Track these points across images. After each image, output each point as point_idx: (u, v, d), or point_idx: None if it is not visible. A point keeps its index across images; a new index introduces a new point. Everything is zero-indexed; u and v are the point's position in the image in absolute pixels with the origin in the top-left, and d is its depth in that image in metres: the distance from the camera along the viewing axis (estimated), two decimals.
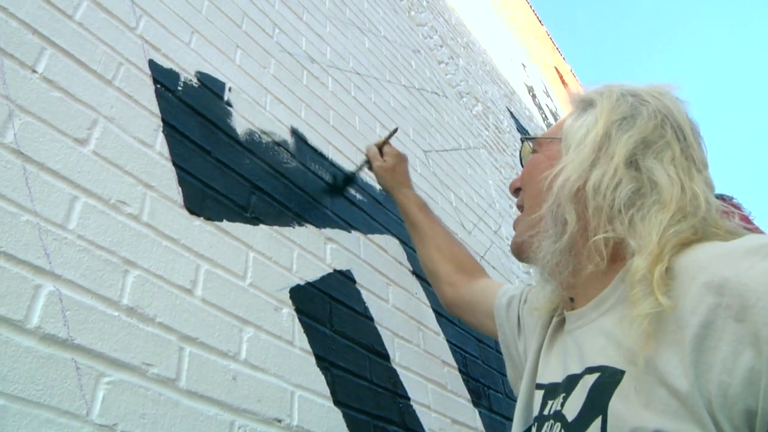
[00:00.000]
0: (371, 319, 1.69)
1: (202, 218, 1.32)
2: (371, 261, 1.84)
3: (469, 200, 3.00)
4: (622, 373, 0.76)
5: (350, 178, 1.94)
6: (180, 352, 1.12)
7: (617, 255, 0.85)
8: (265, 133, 1.68)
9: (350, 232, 1.82)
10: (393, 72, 2.99)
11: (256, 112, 1.69)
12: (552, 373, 0.95)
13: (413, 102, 3.02)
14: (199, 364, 1.15)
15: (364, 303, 1.70)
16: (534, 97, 7.53)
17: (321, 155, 1.89)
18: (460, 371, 2.02)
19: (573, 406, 0.82)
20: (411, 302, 1.95)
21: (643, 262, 0.76)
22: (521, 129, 5.36)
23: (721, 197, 3.26)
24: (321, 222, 1.71)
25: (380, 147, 1.80)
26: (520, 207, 1.10)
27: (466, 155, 3.37)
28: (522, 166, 1.12)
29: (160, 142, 1.33)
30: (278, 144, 1.71)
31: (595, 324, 0.87)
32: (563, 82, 11.47)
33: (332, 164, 1.93)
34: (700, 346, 0.67)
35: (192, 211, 1.31)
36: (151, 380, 1.04)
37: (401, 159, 1.78)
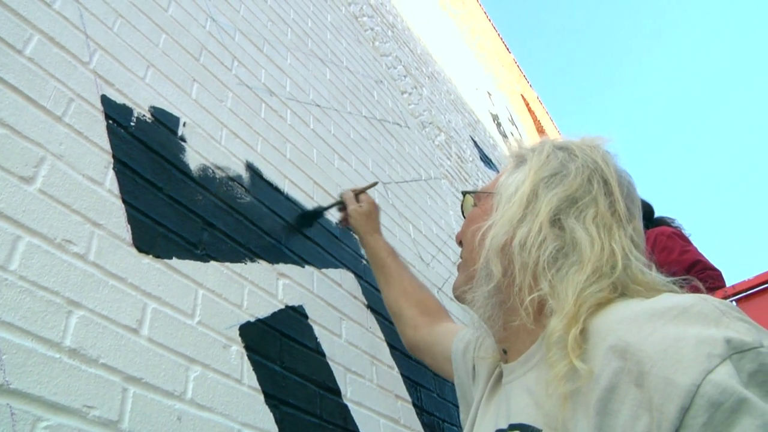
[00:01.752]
0: (323, 354, 1.69)
1: (150, 256, 1.32)
2: (325, 296, 1.84)
3: (428, 231, 3.03)
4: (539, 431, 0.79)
5: (318, 214, 2.01)
6: (123, 393, 1.11)
7: (543, 312, 0.87)
8: (219, 168, 1.69)
9: (304, 267, 1.82)
10: (354, 103, 3.02)
11: (211, 147, 1.70)
12: (487, 425, 0.97)
13: (374, 133, 3.05)
14: (143, 405, 1.14)
15: (316, 339, 1.70)
16: (499, 125, 7.63)
17: (276, 189, 1.90)
18: (414, 405, 2.02)
19: None
20: (365, 336, 1.95)
21: (559, 324, 0.79)
22: (484, 158, 5.42)
23: (662, 220, 3.31)
24: (274, 258, 1.71)
25: (357, 194, 1.94)
26: (461, 257, 1.13)
27: (427, 186, 3.40)
28: (464, 218, 1.15)
29: (110, 180, 1.32)
30: (232, 179, 1.72)
31: (522, 380, 0.90)
32: (529, 109, 11.66)
33: (287, 198, 1.94)
34: (604, 410, 0.69)
35: (141, 249, 1.30)
36: (91, 423, 1.03)
37: (375, 207, 1.92)
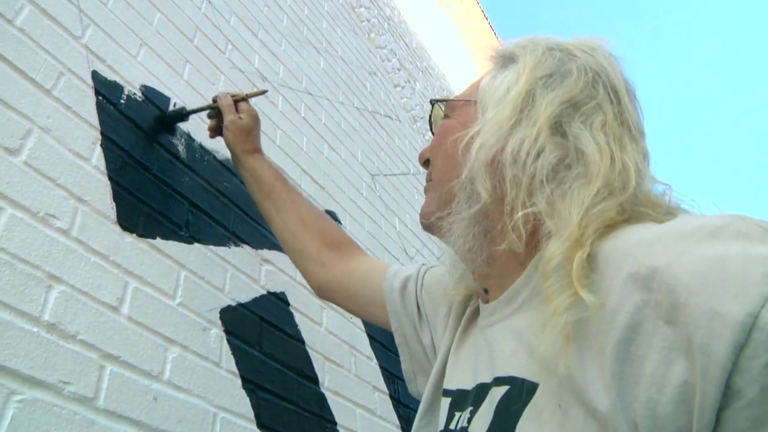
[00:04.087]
0: (303, 342, 1.70)
1: (134, 235, 1.31)
2: (306, 284, 1.84)
3: (414, 225, 3.03)
4: (534, 386, 0.65)
5: (181, 116, 1.60)
6: (100, 371, 1.11)
7: (535, 239, 0.73)
8: (207, 150, 1.68)
9: None
10: (347, 93, 3.02)
11: (200, 129, 1.69)
12: (461, 377, 0.84)
13: (364, 124, 3.04)
14: (120, 383, 1.13)
15: (297, 326, 1.70)
16: None
17: None
18: (391, 397, 2.03)
19: (480, 423, 0.71)
20: (345, 326, 1.96)
21: (560, 247, 0.64)
22: None
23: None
24: (258, 243, 1.71)
25: (236, 101, 1.50)
26: (428, 179, 0.95)
27: (415, 180, 3.40)
28: (432, 133, 0.97)
29: (97, 156, 1.32)
30: (220, 162, 1.71)
31: (507, 322, 0.76)
32: None
33: None
34: (624, 355, 0.55)
35: (125, 228, 1.30)
36: (66, 399, 1.03)
37: (257, 120, 1.50)
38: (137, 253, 1.30)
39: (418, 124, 4.09)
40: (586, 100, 0.77)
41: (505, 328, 0.76)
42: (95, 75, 1.41)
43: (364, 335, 2.05)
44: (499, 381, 0.71)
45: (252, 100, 1.53)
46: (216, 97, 1.52)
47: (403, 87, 4.17)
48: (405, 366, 1.11)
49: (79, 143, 1.29)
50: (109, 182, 1.31)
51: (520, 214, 0.71)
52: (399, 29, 4.94)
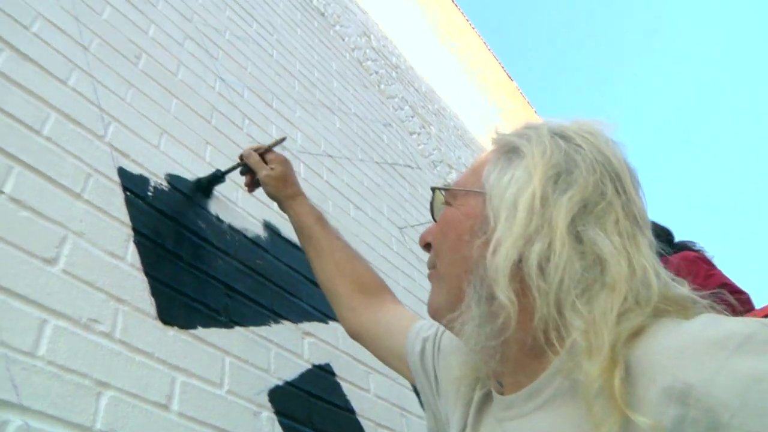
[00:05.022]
0: (352, 411, 1.67)
1: (176, 327, 1.31)
2: (350, 351, 1.82)
3: None
4: None
5: (217, 179, 1.68)
6: None
7: (548, 339, 0.71)
8: (236, 230, 1.68)
9: (328, 323, 1.81)
10: (365, 149, 3.03)
11: (228, 209, 1.70)
12: None
13: (386, 178, 3.05)
14: None
15: (345, 396, 1.68)
16: None
17: (295, 246, 1.89)
18: None
19: None
20: (393, 389, 1.93)
21: (597, 368, 0.63)
22: None
23: (683, 245, 3.15)
24: (298, 317, 1.70)
25: (262, 155, 1.55)
26: (432, 267, 0.92)
27: None
28: (434, 219, 0.94)
29: (131, 253, 1.32)
30: (251, 240, 1.71)
31: (529, 420, 0.74)
32: None
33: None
34: None
35: (165, 322, 1.29)
36: None
37: (288, 166, 1.54)
38: (181, 346, 1.29)
39: (438, 168, 4.10)
40: (598, 199, 0.75)
41: (527, 425, 0.74)
42: (121, 171, 1.43)
43: (413, 394, 2.02)
44: None
45: None
46: (242, 155, 1.58)
47: (418, 133, 4.19)
48: (429, 424, 1.09)
49: (113, 242, 1.30)
50: (145, 278, 1.31)
51: (552, 334, 0.70)
52: (407, 76, 4.98)
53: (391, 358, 1.20)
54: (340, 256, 1.37)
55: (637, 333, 0.65)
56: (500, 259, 0.74)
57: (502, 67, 11.42)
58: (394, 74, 4.59)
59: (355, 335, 1.32)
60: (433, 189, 0.94)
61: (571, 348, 0.68)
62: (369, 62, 4.12)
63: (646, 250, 0.73)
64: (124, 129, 1.52)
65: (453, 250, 0.84)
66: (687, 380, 0.56)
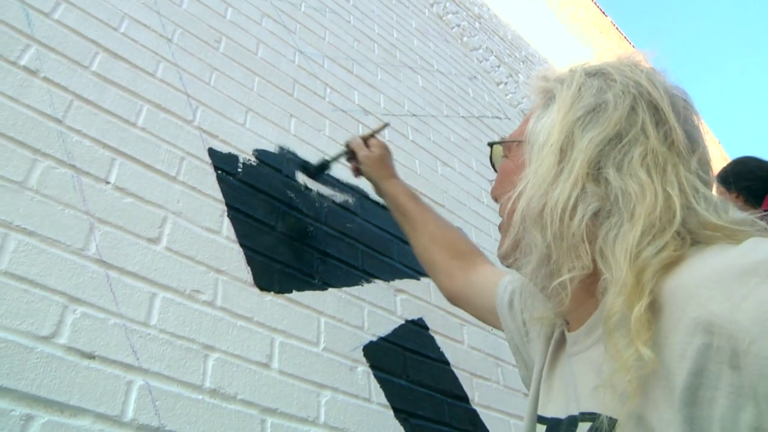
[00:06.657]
0: (447, 363, 1.74)
1: (272, 293, 1.41)
2: (443, 305, 1.88)
3: None
4: (613, 422, 0.66)
5: (324, 166, 1.83)
6: (262, 425, 1.21)
7: (597, 284, 0.72)
8: (324, 197, 1.77)
9: (419, 279, 1.88)
10: (450, 105, 3.04)
11: (316, 177, 1.78)
12: (555, 405, 0.85)
13: (474, 132, 3.06)
14: None
15: (439, 348, 1.75)
16: None
17: (383, 207, 1.96)
18: None
19: None
20: (487, 339, 1.98)
21: (617, 301, 0.65)
22: None
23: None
24: (389, 275, 1.78)
25: (365, 139, 1.69)
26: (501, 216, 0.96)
27: None
28: (495, 171, 0.99)
29: (226, 227, 1.43)
30: (340, 205, 1.80)
31: (588, 354, 0.77)
32: None
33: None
34: (693, 399, 0.56)
35: (262, 288, 1.40)
36: None
37: (387, 150, 1.66)
38: (278, 310, 1.40)
39: None
40: (626, 130, 0.75)
41: (586, 360, 0.77)
42: (211, 152, 1.54)
43: (507, 344, 2.06)
44: (584, 416, 0.72)
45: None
46: (347, 141, 1.71)
47: (505, 83, 4.14)
48: (522, 373, 1.14)
49: (209, 218, 1.41)
50: (241, 249, 1.42)
51: (566, 277, 0.73)
52: (491, 25, 4.91)
53: (486, 314, 1.25)
54: (433, 228, 1.45)
55: (673, 263, 0.65)
56: (526, 203, 0.78)
57: (595, 3, 10.96)
58: (476, 25, 4.54)
59: (453, 299, 1.39)
60: (490, 144, 0.99)
61: (605, 284, 0.69)
62: (449, 15, 4.09)
63: (678, 176, 0.72)
64: (211, 111, 1.63)
65: (509, 200, 0.86)
66: (712, 309, 0.56)
